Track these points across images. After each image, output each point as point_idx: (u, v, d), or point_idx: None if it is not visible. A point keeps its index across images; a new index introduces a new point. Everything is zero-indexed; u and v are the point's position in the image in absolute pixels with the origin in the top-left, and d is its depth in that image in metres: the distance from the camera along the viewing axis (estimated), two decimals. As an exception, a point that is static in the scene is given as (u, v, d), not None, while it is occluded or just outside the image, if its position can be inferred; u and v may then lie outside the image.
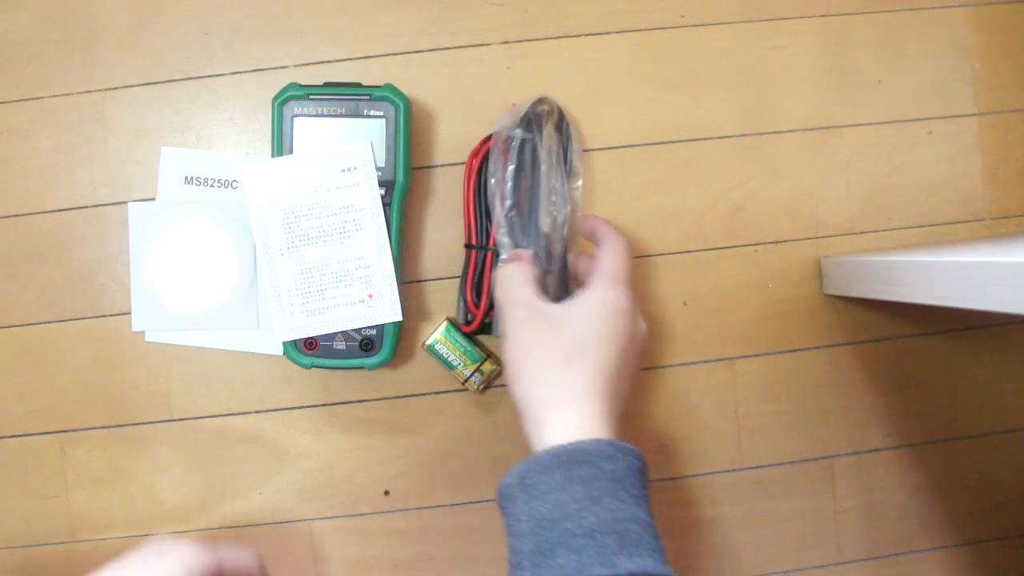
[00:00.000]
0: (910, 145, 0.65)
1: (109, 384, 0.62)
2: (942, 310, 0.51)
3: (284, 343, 0.58)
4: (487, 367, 0.61)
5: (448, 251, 0.63)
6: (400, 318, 0.58)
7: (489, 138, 0.60)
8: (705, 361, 0.65)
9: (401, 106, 0.57)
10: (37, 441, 0.62)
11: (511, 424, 0.63)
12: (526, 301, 0.50)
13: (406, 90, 0.59)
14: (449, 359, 0.61)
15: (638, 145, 0.64)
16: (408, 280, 0.62)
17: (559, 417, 0.46)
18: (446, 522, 0.63)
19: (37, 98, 0.62)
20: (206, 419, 0.63)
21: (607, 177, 0.64)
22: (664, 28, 0.64)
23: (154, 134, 0.62)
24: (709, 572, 0.65)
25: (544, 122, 0.58)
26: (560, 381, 0.47)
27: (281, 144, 0.57)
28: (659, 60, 0.64)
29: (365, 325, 0.58)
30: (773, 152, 0.64)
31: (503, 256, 0.57)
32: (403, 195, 0.59)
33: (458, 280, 0.61)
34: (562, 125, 0.60)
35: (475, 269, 0.59)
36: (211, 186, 0.62)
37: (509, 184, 0.56)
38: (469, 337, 0.61)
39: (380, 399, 0.63)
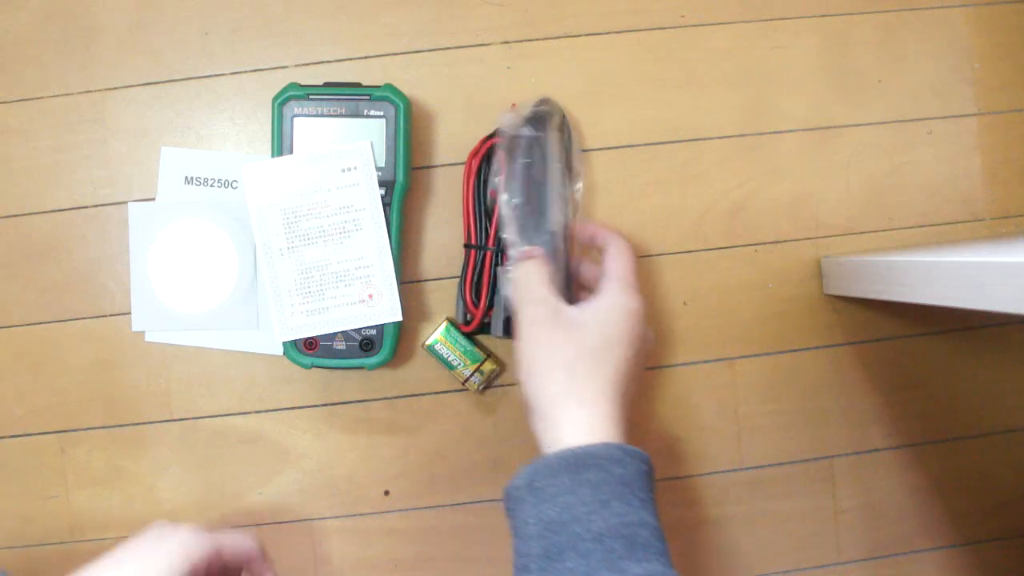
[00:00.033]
0: (910, 145, 0.65)
1: (109, 384, 0.62)
2: (942, 310, 0.51)
3: (284, 343, 0.58)
4: (487, 367, 0.61)
5: (448, 251, 0.63)
6: (400, 318, 0.58)
7: (489, 138, 0.60)
8: (705, 361, 0.65)
9: (401, 106, 0.57)
10: (37, 441, 0.62)
11: (511, 424, 0.63)
12: (543, 300, 0.51)
13: (406, 90, 0.59)
14: (449, 359, 0.61)
15: (638, 145, 0.64)
16: (408, 280, 0.62)
17: (572, 417, 0.46)
18: (446, 522, 0.63)
19: (37, 98, 0.62)
20: (206, 419, 0.63)
21: (607, 177, 0.64)
22: (664, 28, 0.64)
23: (154, 134, 0.62)
24: (709, 572, 0.65)
25: (550, 121, 0.58)
26: (575, 382, 0.47)
27: (281, 144, 0.57)
28: (659, 60, 0.64)
29: (365, 325, 0.58)
30: (773, 152, 0.64)
31: (513, 253, 0.56)
32: (403, 195, 0.59)
33: (458, 280, 0.61)
34: (563, 127, 0.60)
35: (474, 269, 0.59)
36: (211, 186, 0.62)
37: (517, 182, 0.56)
38: (469, 337, 0.61)
39: (380, 399, 0.63)
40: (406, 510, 0.63)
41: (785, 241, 0.65)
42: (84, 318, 0.62)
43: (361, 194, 0.57)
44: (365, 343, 0.58)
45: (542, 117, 0.58)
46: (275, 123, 0.57)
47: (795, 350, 0.65)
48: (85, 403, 0.62)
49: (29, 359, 0.62)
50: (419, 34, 0.63)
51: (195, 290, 0.62)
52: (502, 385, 0.63)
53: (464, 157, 0.61)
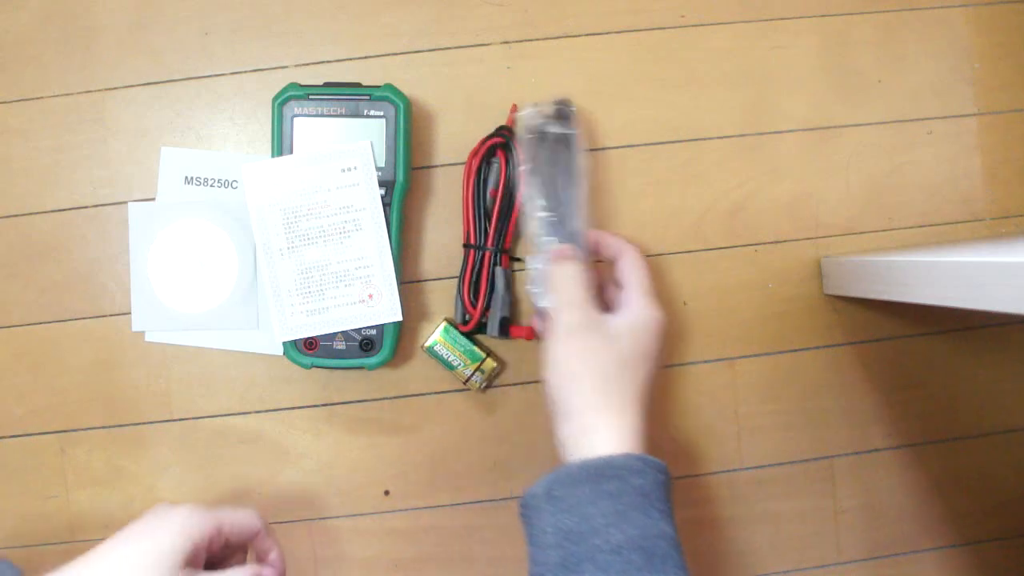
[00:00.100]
0: (910, 145, 0.65)
1: (109, 384, 0.62)
2: (942, 310, 0.51)
3: (284, 343, 0.58)
4: (488, 365, 0.61)
5: (448, 251, 0.63)
6: (400, 318, 0.58)
7: (489, 138, 0.60)
8: (705, 361, 0.65)
9: (401, 106, 0.57)
10: (37, 441, 0.62)
11: (511, 424, 0.63)
12: (581, 305, 0.51)
13: (406, 90, 0.59)
14: (449, 359, 0.60)
15: (638, 145, 0.64)
16: (408, 280, 0.62)
17: (606, 425, 0.47)
18: (446, 522, 0.63)
19: (37, 98, 0.62)
20: (206, 419, 0.63)
21: (607, 177, 0.64)
22: (664, 28, 0.64)
23: (154, 134, 0.62)
24: (709, 572, 0.65)
25: (576, 119, 0.58)
26: (610, 390, 0.48)
27: (281, 144, 0.57)
28: (659, 60, 0.64)
29: (365, 325, 0.58)
30: (773, 152, 0.64)
31: (542, 250, 0.55)
32: (403, 195, 0.59)
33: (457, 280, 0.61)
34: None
35: (473, 269, 0.59)
36: (211, 186, 0.62)
37: (544, 177, 0.55)
38: (468, 336, 0.61)
39: (380, 399, 0.63)
40: (406, 510, 0.63)
41: (785, 241, 0.65)
42: (84, 318, 0.62)
43: (361, 194, 0.57)
44: (365, 343, 0.58)
45: (568, 114, 0.58)
46: (275, 123, 0.57)
47: (795, 350, 0.65)
48: (85, 403, 0.62)
49: (29, 359, 0.62)
50: (419, 34, 0.63)
51: (195, 290, 0.62)
52: (503, 385, 0.63)
53: (464, 157, 0.61)
